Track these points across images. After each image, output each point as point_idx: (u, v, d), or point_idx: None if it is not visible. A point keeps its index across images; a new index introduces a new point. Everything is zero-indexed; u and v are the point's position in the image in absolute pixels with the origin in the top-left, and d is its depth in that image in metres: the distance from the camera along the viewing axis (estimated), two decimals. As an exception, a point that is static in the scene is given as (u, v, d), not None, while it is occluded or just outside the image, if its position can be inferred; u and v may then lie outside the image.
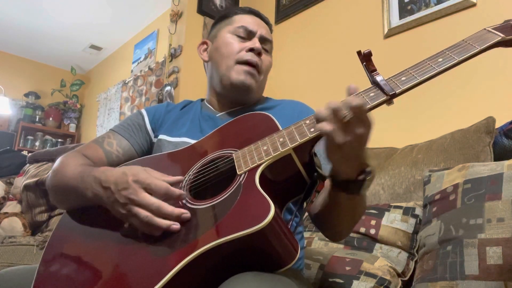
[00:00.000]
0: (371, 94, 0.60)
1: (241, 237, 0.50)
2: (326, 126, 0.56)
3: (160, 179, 0.63)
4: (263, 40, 0.94)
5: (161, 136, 0.92)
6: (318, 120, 0.58)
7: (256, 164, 0.62)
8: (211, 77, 0.98)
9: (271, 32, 1.00)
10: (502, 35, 0.59)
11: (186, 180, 0.70)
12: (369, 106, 0.59)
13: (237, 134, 0.74)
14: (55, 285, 0.62)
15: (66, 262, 0.65)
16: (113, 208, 0.64)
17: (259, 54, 0.90)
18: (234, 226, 0.52)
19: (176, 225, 0.59)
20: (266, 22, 0.99)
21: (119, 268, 0.59)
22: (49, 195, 0.80)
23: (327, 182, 0.83)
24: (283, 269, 0.55)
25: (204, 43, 1.01)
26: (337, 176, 0.63)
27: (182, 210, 0.60)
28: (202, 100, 1.03)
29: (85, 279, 0.60)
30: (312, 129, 0.61)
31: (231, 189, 0.61)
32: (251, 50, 0.90)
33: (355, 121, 0.55)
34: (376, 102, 0.59)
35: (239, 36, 0.92)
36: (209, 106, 0.98)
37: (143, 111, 0.98)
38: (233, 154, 0.68)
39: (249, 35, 0.93)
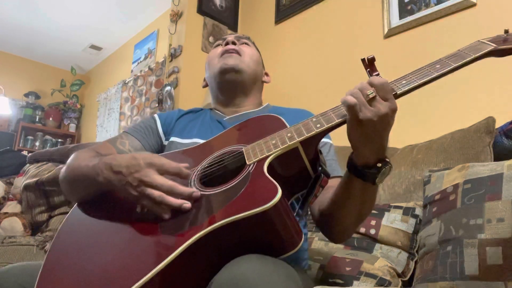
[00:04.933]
0: None
1: (247, 217, 0.52)
2: (350, 99, 0.59)
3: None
4: (237, 38, 1.04)
5: (172, 138, 0.96)
6: (346, 95, 0.61)
7: (265, 155, 0.65)
8: (211, 87, 1.06)
9: (249, 38, 1.10)
10: (494, 45, 0.64)
11: (198, 170, 0.73)
12: None
13: (247, 133, 0.78)
14: (63, 272, 0.62)
15: (74, 252, 0.65)
16: (125, 191, 0.65)
17: (233, 43, 1.01)
18: (241, 206, 0.54)
19: (187, 204, 0.61)
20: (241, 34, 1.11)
21: (128, 249, 0.59)
22: (62, 188, 0.82)
23: (337, 181, 0.83)
24: (285, 255, 0.56)
25: (204, 79, 1.12)
26: (356, 159, 0.65)
27: (193, 189, 0.63)
28: (211, 108, 1.09)
29: (94, 263, 0.60)
30: (318, 125, 0.64)
31: (240, 177, 0.63)
32: (226, 44, 1.01)
33: (379, 100, 0.59)
34: None
35: (217, 46, 1.06)
36: (217, 111, 1.04)
37: (155, 116, 1.04)
38: (243, 148, 0.71)
39: (223, 41, 1.04)
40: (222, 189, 0.63)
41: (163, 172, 0.64)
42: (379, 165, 0.63)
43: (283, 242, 0.56)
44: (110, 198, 0.71)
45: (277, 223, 0.54)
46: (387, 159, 0.64)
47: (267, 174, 0.60)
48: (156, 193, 0.61)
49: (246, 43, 1.05)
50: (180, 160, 0.80)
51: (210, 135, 0.90)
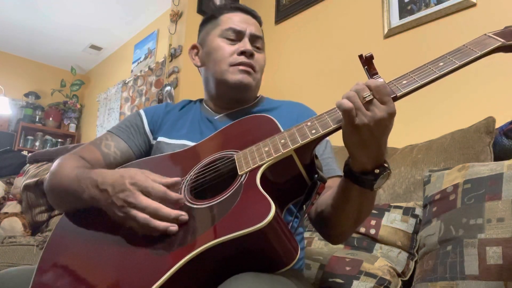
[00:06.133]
0: None
1: (241, 237, 0.50)
2: (346, 103, 0.56)
3: (158, 182, 0.63)
4: (253, 38, 0.92)
5: (160, 138, 0.91)
6: (342, 98, 0.58)
7: (257, 164, 0.62)
8: (206, 81, 0.97)
9: (261, 25, 0.98)
10: (502, 40, 0.59)
11: (188, 180, 0.70)
12: None
13: (238, 135, 0.74)
14: (53, 285, 0.62)
15: (64, 263, 0.65)
16: (110, 211, 0.63)
17: (251, 55, 0.90)
18: (234, 225, 0.52)
19: (173, 227, 0.58)
20: (255, 16, 0.97)
21: (117, 268, 0.59)
22: (47, 197, 0.80)
23: (335, 180, 0.81)
24: (283, 270, 0.55)
25: (194, 47, 1.00)
26: (353, 165, 0.62)
27: (180, 212, 0.60)
28: (201, 100, 1.02)
29: (83, 280, 0.60)
30: (313, 131, 0.61)
31: (231, 189, 0.61)
32: (243, 53, 0.89)
33: (376, 103, 0.56)
34: None
35: (228, 39, 0.91)
36: (208, 108, 0.98)
37: (142, 112, 0.97)
38: (235, 155, 0.68)
39: (238, 35, 0.91)
40: (213, 203, 0.61)
41: (147, 194, 0.61)
42: (377, 171, 0.60)
43: (279, 257, 0.54)
44: (101, 210, 0.68)
45: (272, 240, 0.52)
46: (386, 165, 0.61)
47: (259, 187, 0.58)
48: (140, 215, 0.59)
49: (259, 48, 0.94)
50: (169, 167, 0.77)
51: (199, 136, 0.87)
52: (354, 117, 0.56)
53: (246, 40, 0.91)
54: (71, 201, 0.73)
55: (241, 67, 0.88)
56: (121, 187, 0.61)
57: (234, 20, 0.93)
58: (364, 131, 0.56)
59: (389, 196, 1.25)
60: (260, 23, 0.98)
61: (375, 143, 0.58)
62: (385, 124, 0.56)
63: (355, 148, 0.60)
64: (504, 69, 1.43)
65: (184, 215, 0.60)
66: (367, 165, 0.61)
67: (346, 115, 0.56)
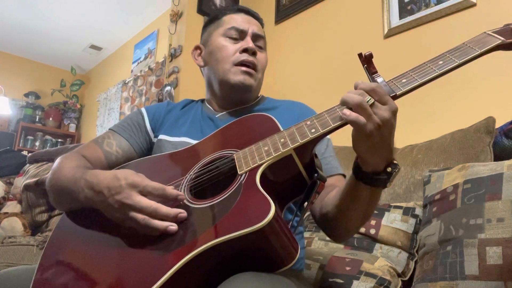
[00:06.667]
0: None
1: (241, 236, 0.50)
2: (362, 120, 0.55)
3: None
4: (255, 37, 0.94)
5: (161, 136, 0.91)
6: (348, 106, 0.57)
7: (257, 164, 0.62)
8: (208, 80, 0.98)
9: (263, 27, 0.99)
10: (502, 38, 0.59)
11: (187, 179, 0.70)
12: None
13: (238, 135, 0.75)
14: (53, 285, 0.62)
15: (64, 263, 0.65)
16: (108, 212, 0.64)
17: (253, 53, 0.91)
18: (234, 225, 0.52)
19: (173, 226, 0.59)
20: (257, 17, 0.98)
21: (117, 268, 0.59)
22: (48, 196, 0.80)
23: (337, 179, 0.80)
24: (283, 269, 0.55)
25: (197, 48, 1.01)
26: (365, 168, 0.62)
27: (179, 210, 0.60)
28: (203, 100, 1.03)
29: (84, 280, 0.60)
30: (313, 130, 0.61)
31: (231, 189, 0.61)
32: (245, 50, 0.90)
33: (378, 105, 0.56)
34: None
35: (231, 38, 0.92)
36: (209, 107, 0.99)
37: (143, 110, 0.98)
38: (234, 155, 0.68)
39: (241, 34, 0.93)
40: (213, 203, 0.61)
41: (146, 193, 0.61)
42: (389, 169, 0.61)
43: (279, 257, 0.54)
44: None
45: (272, 240, 0.52)
46: (395, 161, 0.62)
47: (259, 187, 0.58)
48: (139, 216, 0.59)
49: (261, 48, 0.96)
50: (168, 167, 0.77)
51: (200, 134, 0.87)
52: (366, 125, 0.56)
53: (248, 39, 0.92)
54: (69, 201, 0.73)
55: (243, 68, 0.89)
56: (117, 189, 0.61)
57: (237, 20, 0.94)
58: (375, 136, 0.57)
59: (389, 196, 1.25)
60: (262, 24, 0.99)
61: (386, 144, 0.59)
62: (391, 123, 0.57)
63: (367, 153, 0.60)
64: (504, 69, 1.43)
65: (183, 213, 0.60)
66: (380, 166, 0.61)
67: (358, 127, 0.57)
